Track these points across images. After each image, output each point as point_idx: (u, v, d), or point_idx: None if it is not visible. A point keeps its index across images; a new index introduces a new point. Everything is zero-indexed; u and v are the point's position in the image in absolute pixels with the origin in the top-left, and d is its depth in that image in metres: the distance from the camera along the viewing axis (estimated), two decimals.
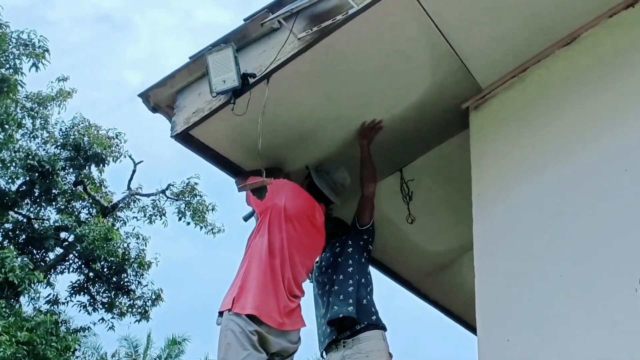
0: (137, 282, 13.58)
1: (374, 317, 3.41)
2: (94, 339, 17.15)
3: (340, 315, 3.36)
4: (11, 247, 13.13)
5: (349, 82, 3.27)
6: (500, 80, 3.46)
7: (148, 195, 14.18)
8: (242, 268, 3.13)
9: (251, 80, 2.99)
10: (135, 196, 14.08)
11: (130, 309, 13.71)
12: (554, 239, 3.04)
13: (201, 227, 13.65)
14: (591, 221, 2.97)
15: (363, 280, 3.52)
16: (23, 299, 11.96)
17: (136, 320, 13.93)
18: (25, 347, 10.38)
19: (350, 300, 3.38)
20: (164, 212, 14.01)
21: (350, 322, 3.38)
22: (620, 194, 2.94)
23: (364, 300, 3.44)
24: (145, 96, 3.28)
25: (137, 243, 13.71)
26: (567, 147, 3.19)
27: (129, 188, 14.01)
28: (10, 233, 13.75)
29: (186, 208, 13.73)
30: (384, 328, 3.44)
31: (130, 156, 13.72)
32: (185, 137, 3.23)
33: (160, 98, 3.27)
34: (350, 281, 3.47)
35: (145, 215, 13.98)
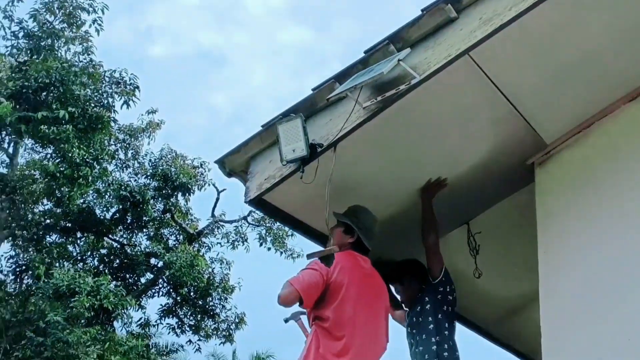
0: (221, 306, 14.05)
1: None
2: (183, 354, 17.83)
3: None
4: (106, 271, 13.94)
5: (413, 146, 3.40)
6: (565, 135, 3.48)
7: (231, 222, 14.69)
8: (309, 341, 3.24)
9: (319, 149, 3.16)
10: (219, 223, 14.60)
11: (215, 332, 14.20)
12: (622, 306, 3.01)
13: (281, 253, 13.99)
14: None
15: (439, 337, 3.58)
16: (116, 324, 12.65)
17: (221, 342, 14.43)
18: None
19: (435, 359, 3.49)
20: (246, 237, 14.47)
21: None
22: None
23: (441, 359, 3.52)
24: (221, 163, 3.52)
25: (221, 268, 14.21)
26: (632, 207, 3.16)
27: (212, 215, 14.54)
28: (105, 258, 14.58)
29: (267, 234, 14.11)
30: None
31: (214, 184, 14.28)
32: (259, 202, 3.44)
33: (234, 164, 3.49)
34: (433, 339, 3.57)
35: (228, 241, 14.48)
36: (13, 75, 12.18)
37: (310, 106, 3.27)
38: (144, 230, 14.45)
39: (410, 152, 3.45)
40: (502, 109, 3.30)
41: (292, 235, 14.07)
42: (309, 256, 3.19)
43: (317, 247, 3.72)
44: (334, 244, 3.38)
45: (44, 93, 12.21)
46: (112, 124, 13.09)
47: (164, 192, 13.70)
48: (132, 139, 14.49)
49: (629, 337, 2.93)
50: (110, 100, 12.71)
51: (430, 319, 3.64)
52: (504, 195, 3.88)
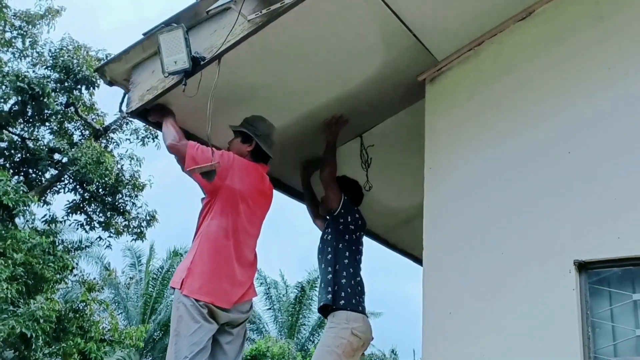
0: (131, 203, 13.84)
1: (342, 302, 3.64)
2: (98, 249, 17.78)
3: (322, 304, 3.67)
4: (7, 165, 13.34)
5: (302, 61, 3.31)
6: (456, 53, 3.48)
7: None
8: (193, 248, 3.19)
9: (201, 62, 3.02)
10: (127, 118, 14.08)
11: (126, 229, 14.04)
12: (498, 216, 3.17)
13: None
14: (533, 200, 3.09)
15: (337, 266, 3.69)
16: (19, 221, 12.25)
17: (132, 239, 14.33)
18: (22, 268, 10.75)
19: (329, 288, 3.64)
20: (156, 134, 14.04)
21: (329, 307, 3.66)
22: (562, 175, 3.04)
23: (336, 287, 3.65)
24: (101, 71, 3.32)
25: (131, 165, 13.87)
26: (515, 124, 3.26)
27: (120, 110, 13.91)
28: (5, 152, 13.88)
29: None
30: (352, 310, 3.65)
31: None
32: (141, 113, 3.30)
33: (116, 73, 3.31)
34: (329, 268, 3.69)
35: (137, 138, 14.06)
36: None
37: (195, 16, 3.10)
38: (46, 124, 13.74)
39: (300, 66, 3.36)
40: (392, 26, 3.24)
41: None
42: (187, 172, 3.11)
43: None
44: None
45: None
46: (6, 9, 12.07)
47: (66, 85, 12.97)
48: (30, 27, 13.48)
49: (502, 251, 3.08)
50: None
51: (329, 249, 3.75)
52: (396, 110, 3.90)
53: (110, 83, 3.36)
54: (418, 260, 5.35)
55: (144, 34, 3.20)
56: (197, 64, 3.01)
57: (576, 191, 2.99)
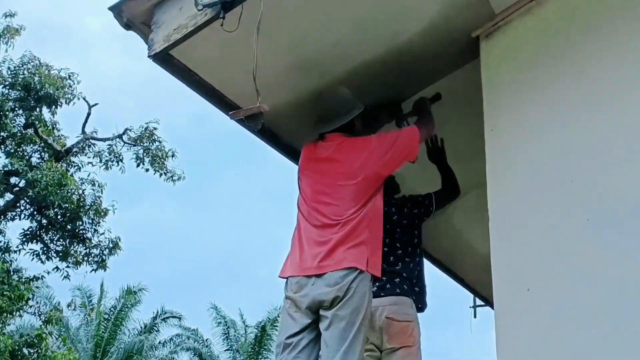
0: (93, 230, 13.02)
1: None
2: (46, 290, 16.62)
3: None
4: None
5: (351, 6, 2.92)
6: (515, 4, 3.14)
7: (104, 140, 13.50)
8: None
9: None
10: (90, 140, 13.40)
11: (86, 258, 13.17)
12: (574, 178, 2.80)
13: (160, 174, 13.13)
14: (610, 158, 2.73)
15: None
16: None
17: (92, 270, 13.42)
18: None
19: None
20: (121, 157, 13.37)
21: None
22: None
23: None
24: (117, 10, 2.82)
25: (93, 190, 13.10)
26: (586, 80, 2.90)
27: (83, 132, 13.29)
28: None
29: (145, 154, 13.13)
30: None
31: (84, 98, 12.94)
32: (165, 58, 2.82)
33: (135, 12, 2.82)
34: None
35: (101, 161, 13.33)
36: None
37: None
38: (2, 146, 12.95)
39: (347, 12, 2.94)
40: None
41: (172, 156, 13.20)
42: (231, 115, 2.65)
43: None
44: None
45: None
46: None
47: (25, 103, 12.19)
48: None
49: (587, 217, 2.71)
50: None
51: None
52: (447, 71, 3.51)
53: (127, 25, 2.87)
54: None
55: None
56: None
57: None
